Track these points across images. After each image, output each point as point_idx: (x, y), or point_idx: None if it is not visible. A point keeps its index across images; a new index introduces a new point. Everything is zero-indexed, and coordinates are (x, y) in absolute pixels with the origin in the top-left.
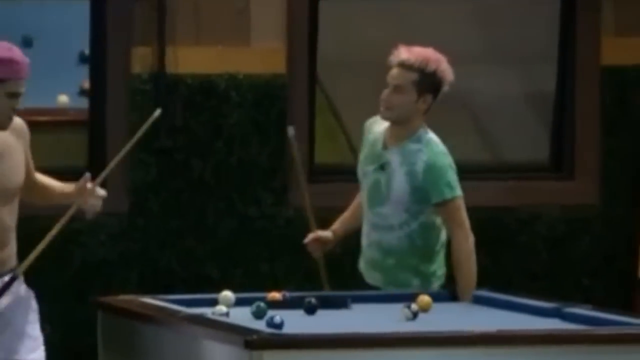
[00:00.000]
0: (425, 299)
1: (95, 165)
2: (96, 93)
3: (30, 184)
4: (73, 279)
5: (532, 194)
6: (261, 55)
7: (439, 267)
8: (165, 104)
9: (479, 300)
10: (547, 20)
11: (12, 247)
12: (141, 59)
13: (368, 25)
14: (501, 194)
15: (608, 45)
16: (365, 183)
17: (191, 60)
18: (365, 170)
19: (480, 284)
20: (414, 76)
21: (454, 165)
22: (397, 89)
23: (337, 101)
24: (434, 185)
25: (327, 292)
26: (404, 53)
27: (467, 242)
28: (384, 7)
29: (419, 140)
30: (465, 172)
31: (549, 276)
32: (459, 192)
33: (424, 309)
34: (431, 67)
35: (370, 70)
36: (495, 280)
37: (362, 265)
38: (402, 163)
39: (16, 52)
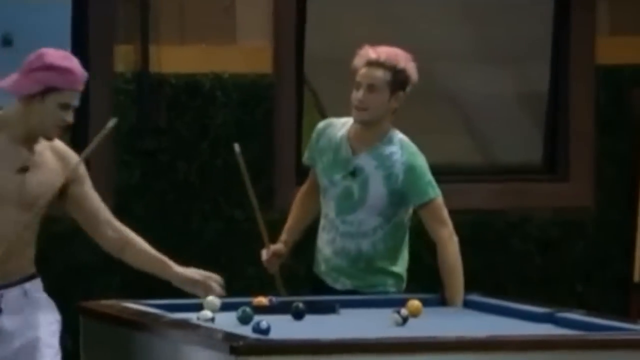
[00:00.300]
0: (415, 303)
1: None
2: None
3: (97, 226)
4: (55, 283)
5: (524, 196)
6: (247, 54)
7: (405, 266)
8: (149, 104)
9: (469, 305)
10: (541, 19)
11: (26, 258)
12: (124, 58)
13: (357, 23)
14: (493, 197)
15: (603, 44)
16: (332, 192)
17: (175, 59)
18: (332, 179)
19: (471, 288)
20: (386, 75)
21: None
22: (371, 88)
23: (325, 101)
24: (416, 186)
25: (315, 297)
26: (373, 52)
27: (453, 241)
28: (373, 5)
29: (391, 141)
30: (455, 174)
31: (541, 281)
32: (439, 190)
33: (414, 314)
34: (401, 64)
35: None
36: (486, 285)
37: (324, 271)
38: (378, 167)
39: (74, 63)
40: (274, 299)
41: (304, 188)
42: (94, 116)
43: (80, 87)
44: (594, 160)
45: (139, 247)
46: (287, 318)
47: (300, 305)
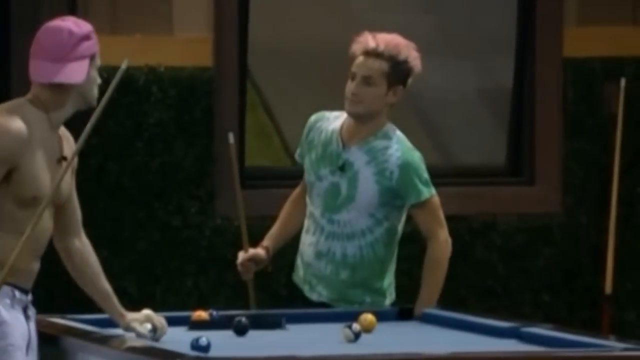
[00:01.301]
0: (368, 317)
1: None
2: None
3: (69, 232)
4: None
5: (487, 201)
6: (185, 45)
7: (391, 281)
8: None
9: (428, 319)
10: (504, 8)
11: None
12: None
13: (305, 13)
14: (452, 201)
15: (570, 35)
16: (318, 188)
17: (106, 51)
18: (319, 174)
19: None
20: (384, 66)
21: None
22: (366, 80)
23: (271, 97)
24: (411, 184)
25: (259, 311)
26: (372, 40)
27: (448, 244)
28: None
29: (386, 136)
30: None
31: (505, 292)
32: (434, 189)
33: (367, 329)
34: (402, 55)
35: (308, 62)
36: (446, 297)
37: (302, 278)
38: (369, 162)
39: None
40: (214, 312)
41: (296, 191)
42: None
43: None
44: (561, 161)
45: (102, 280)
46: (229, 334)
47: (243, 319)
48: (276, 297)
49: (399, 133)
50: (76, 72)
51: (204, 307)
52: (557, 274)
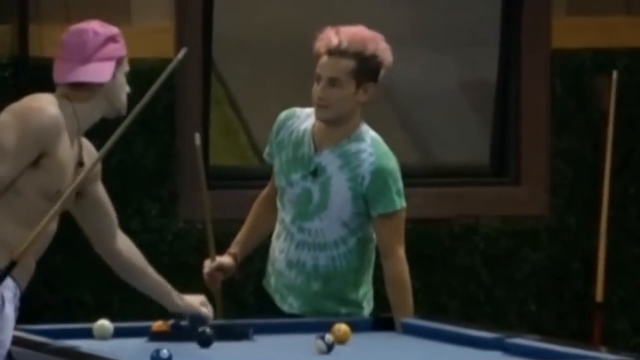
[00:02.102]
0: (342, 327)
1: None
2: None
3: (110, 237)
4: None
5: (469, 202)
6: (145, 35)
7: (368, 290)
8: (29, 94)
9: (407, 330)
10: None
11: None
12: None
13: (275, 0)
14: (432, 203)
15: (558, 25)
16: (289, 193)
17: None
18: (290, 179)
19: None
20: (350, 64)
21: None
22: (332, 82)
23: (237, 91)
24: (383, 192)
25: (224, 321)
26: (334, 37)
27: (404, 265)
28: None
29: (360, 138)
30: None
31: (489, 300)
32: (404, 202)
33: (341, 340)
34: (369, 49)
35: (278, 54)
36: (426, 306)
37: (274, 286)
38: (342, 167)
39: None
40: (177, 322)
41: (264, 192)
42: None
43: None
44: (549, 160)
45: (151, 273)
46: (193, 346)
47: (207, 330)
48: (244, 305)
49: (374, 135)
50: (101, 72)
51: (166, 317)
52: (544, 280)
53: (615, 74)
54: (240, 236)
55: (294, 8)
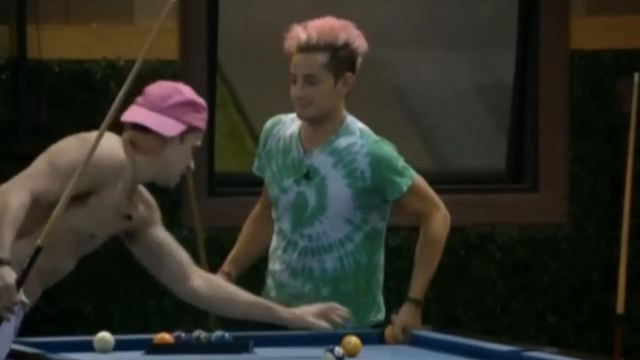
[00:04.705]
0: (352, 340)
1: None
2: None
3: (185, 277)
4: None
5: (485, 210)
6: (147, 36)
7: (378, 295)
8: (27, 97)
9: (418, 342)
10: None
11: None
12: None
13: (282, 1)
14: (448, 210)
15: (578, 26)
16: (284, 201)
17: (59, 42)
18: (282, 186)
19: (423, 322)
20: (324, 58)
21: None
22: (309, 79)
23: (243, 94)
24: (388, 180)
25: (224, 333)
26: (302, 33)
27: (447, 219)
28: None
29: (349, 132)
30: None
31: (505, 312)
32: (413, 171)
33: (352, 353)
34: (341, 39)
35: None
36: (439, 317)
37: (276, 299)
38: (335, 164)
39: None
40: (182, 334)
41: (256, 209)
42: None
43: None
44: (568, 166)
45: (241, 296)
46: (193, 358)
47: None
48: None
49: (361, 126)
50: (168, 127)
51: (168, 329)
52: (563, 291)
53: (637, 76)
54: (233, 254)
55: (303, 8)
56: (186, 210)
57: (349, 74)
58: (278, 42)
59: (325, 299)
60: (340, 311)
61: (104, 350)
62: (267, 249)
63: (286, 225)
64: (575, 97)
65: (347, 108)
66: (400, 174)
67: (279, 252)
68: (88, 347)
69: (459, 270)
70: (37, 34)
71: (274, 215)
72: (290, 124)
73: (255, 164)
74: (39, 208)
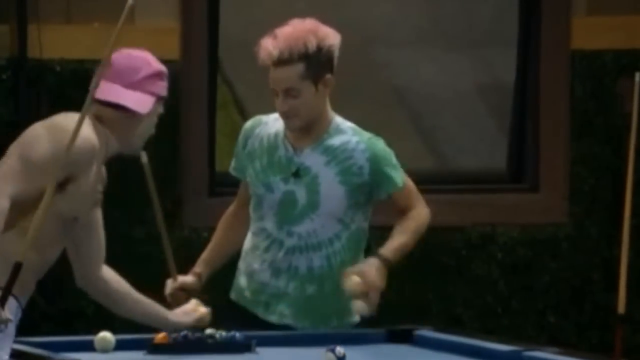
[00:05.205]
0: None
1: None
2: None
3: (90, 263)
4: None
5: (485, 210)
6: (149, 36)
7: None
8: (28, 97)
9: (419, 342)
10: None
11: None
12: None
13: (282, 3)
14: (447, 211)
15: (579, 26)
16: (270, 199)
17: (60, 42)
18: (268, 184)
19: (423, 322)
20: (299, 68)
21: None
22: (289, 92)
23: (244, 94)
24: (385, 175)
25: (227, 333)
26: (273, 47)
27: (428, 219)
28: None
29: (340, 131)
30: None
31: (506, 311)
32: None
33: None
34: (312, 45)
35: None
36: (440, 317)
37: (252, 300)
38: (328, 162)
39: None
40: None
41: (229, 210)
42: None
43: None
44: (569, 166)
45: (138, 295)
46: (193, 358)
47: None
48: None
49: (350, 124)
50: (144, 103)
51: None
52: (564, 291)
53: (638, 76)
54: (205, 255)
55: (304, 9)
56: (186, 209)
57: (328, 76)
58: None
59: (310, 298)
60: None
61: (105, 350)
62: (240, 248)
63: (270, 224)
64: (576, 97)
65: (348, 108)
66: (396, 168)
67: (259, 252)
68: (89, 347)
69: (460, 270)
70: (38, 34)
71: (254, 215)
72: (272, 123)
73: (233, 164)
74: (20, 202)
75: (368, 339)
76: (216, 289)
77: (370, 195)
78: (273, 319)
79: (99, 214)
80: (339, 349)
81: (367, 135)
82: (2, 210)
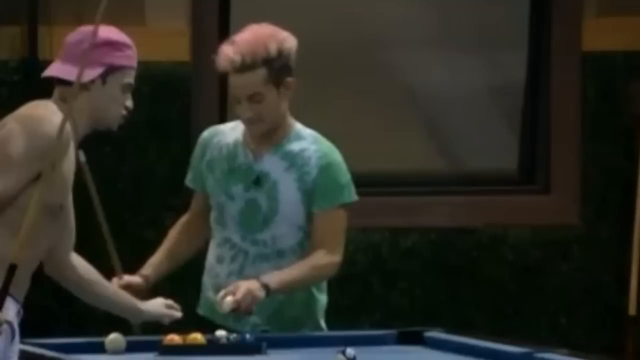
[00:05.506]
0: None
1: None
2: None
3: (60, 248)
4: None
5: (496, 211)
6: (160, 38)
7: (324, 293)
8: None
9: (430, 343)
10: None
11: None
12: (8, 42)
13: (293, 3)
14: (458, 212)
15: (590, 27)
16: (231, 209)
17: None
18: (230, 193)
19: (434, 323)
20: (262, 73)
21: None
22: (253, 98)
23: None
24: (332, 184)
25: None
26: (234, 54)
27: (333, 272)
28: None
29: (300, 137)
30: (413, 184)
31: (517, 313)
32: (350, 197)
33: None
34: (272, 49)
35: (298, 58)
36: (451, 318)
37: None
38: (288, 168)
39: (125, 36)
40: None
41: (184, 219)
42: None
43: (135, 64)
44: (580, 168)
45: (107, 284)
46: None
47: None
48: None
49: (310, 131)
50: (84, 73)
51: (180, 331)
52: (575, 293)
53: None
54: (154, 259)
55: (316, 8)
56: None
57: (289, 79)
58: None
59: (280, 305)
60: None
61: (115, 352)
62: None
63: (235, 234)
64: (587, 98)
65: (359, 110)
66: (347, 186)
67: (225, 263)
68: (100, 348)
69: (471, 272)
70: (49, 35)
71: (217, 225)
72: (230, 131)
73: (189, 176)
74: (2, 198)
75: (378, 340)
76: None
77: (317, 200)
78: (245, 328)
79: (70, 199)
80: (350, 351)
81: (325, 144)
82: None
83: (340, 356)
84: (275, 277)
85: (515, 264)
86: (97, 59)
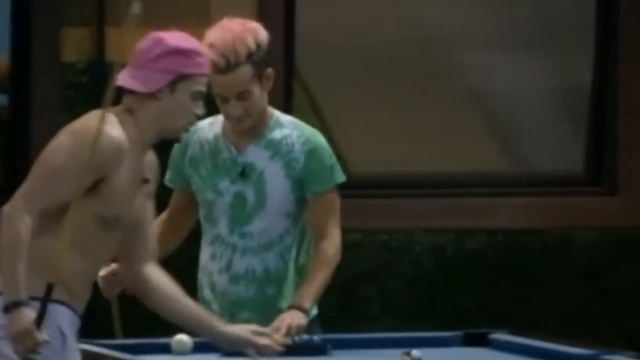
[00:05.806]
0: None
1: (14, 175)
2: (18, 86)
3: (131, 256)
4: None
5: (563, 213)
6: None
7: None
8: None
9: (495, 345)
10: None
11: None
12: (75, 44)
13: (359, 3)
14: (524, 214)
15: None
16: (220, 204)
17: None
18: (217, 188)
19: (499, 325)
20: (247, 70)
21: None
22: (241, 95)
23: (321, 98)
24: (322, 168)
25: (311, 336)
26: (217, 56)
27: (339, 251)
28: None
29: (279, 124)
30: (479, 186)
31: (584, 315)
32: (339, 177)
33: None
34: (251, 44)
35: (363, 59)
36: (517, 320)
37: (216, 309)
38: (272, 156)
39: (198, 44)
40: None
41: (163, 216)
42: (37, 115)
43: (208, 72)
44: None
45: (186, 299)
46: None
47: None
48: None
49: (289, 117)
50: (147, 81)
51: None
52: None
53: None
54: None
55: (379, 10)
56: None
57: (268, 70)
58: (357, 45)
59: (271, 298)
60: (269, 336)
61: (182, 353)
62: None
63: (224, 229)
64: None
65: (424, 111)
66: (334, 167)
67: (215, 261)
68: (166, 349)
69: (537, 274)
70: (116, 37)
71: (207, 223)
72: (208, 127)
73: (168, 176)
74: (52, 210)
75: (444, 342)
76: None
77: (305, 191)
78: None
79: (146, 208)
80: (415, 352)
81: (308, 129)
82: (28, 229)
83: (406, 357)
84: (307, 297)
85: (581, 265)
86: (165, 67)
